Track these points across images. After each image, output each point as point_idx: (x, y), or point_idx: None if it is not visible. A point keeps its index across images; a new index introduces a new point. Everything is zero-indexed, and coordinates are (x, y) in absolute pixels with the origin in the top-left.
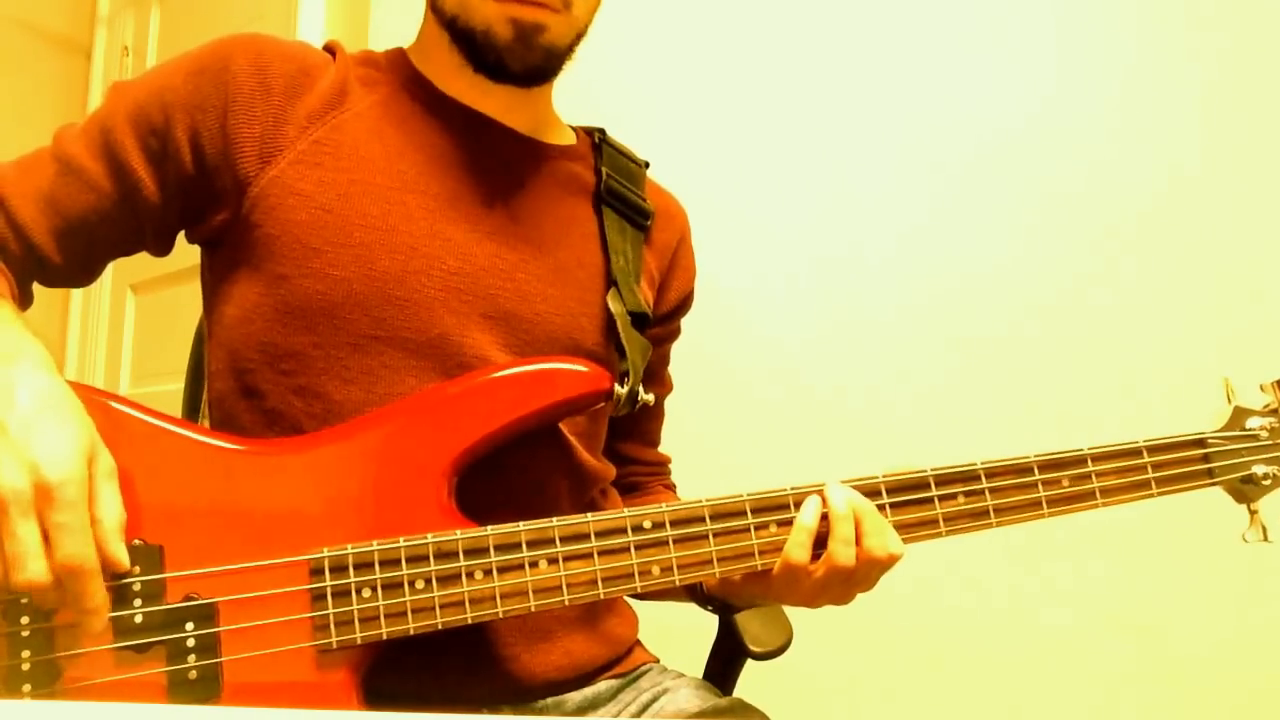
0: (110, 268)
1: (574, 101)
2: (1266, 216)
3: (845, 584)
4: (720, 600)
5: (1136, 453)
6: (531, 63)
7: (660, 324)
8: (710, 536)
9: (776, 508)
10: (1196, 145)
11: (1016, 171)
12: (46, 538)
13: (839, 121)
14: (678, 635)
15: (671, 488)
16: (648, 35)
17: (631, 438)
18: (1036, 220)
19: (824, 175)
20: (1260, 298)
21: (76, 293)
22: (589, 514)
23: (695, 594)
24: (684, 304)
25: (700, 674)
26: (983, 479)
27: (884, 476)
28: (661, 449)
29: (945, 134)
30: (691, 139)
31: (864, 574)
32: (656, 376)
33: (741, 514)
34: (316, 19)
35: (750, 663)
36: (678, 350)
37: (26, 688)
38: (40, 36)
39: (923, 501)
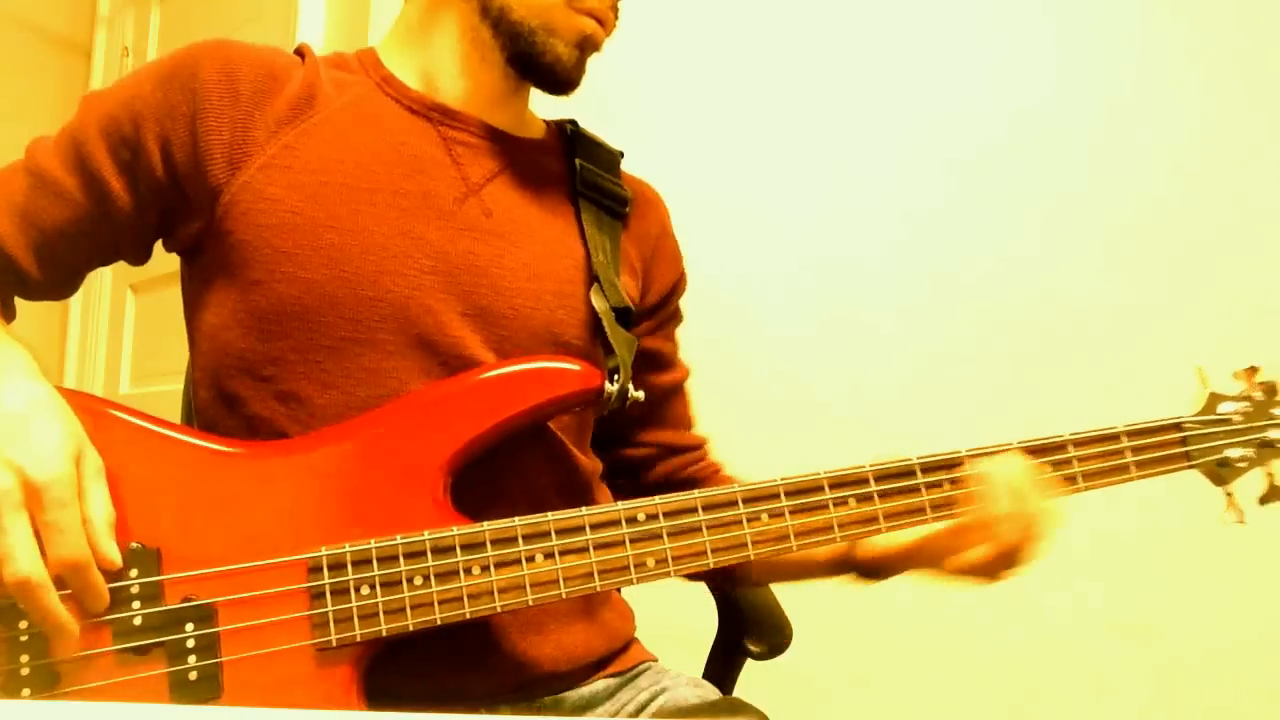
0: (110, 268)
1: (573, 101)
2: (1266, 216)
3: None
4: (874, 567)
5: (1115, 437)
6: (579, 76)
7: (651, 314)
8: (704, 528)
9: (766, 498)
10: (1196, 147)
11: (1016, 171)
12: (37, 537)
13: (839, 122)
14: (677, 635)
15: (720, 468)
16: (647, 34)
17: (668, 425)
18: (1036, 220)
19: (824, 175)
20: (1259, 295)
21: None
22: (584, 508)
23: (842, 564)
24: (674, 290)
25: (700, 674)
26: (967, 466)
27: (871, 466)
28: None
29: (945, 135)
30: (691, 139)
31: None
32: (670, 363)
33: (733, 505)
34: (316, 19)
35: (750, 663)
36: None
37: (26, 692)
38: (40, 36)
39: (909, 490)
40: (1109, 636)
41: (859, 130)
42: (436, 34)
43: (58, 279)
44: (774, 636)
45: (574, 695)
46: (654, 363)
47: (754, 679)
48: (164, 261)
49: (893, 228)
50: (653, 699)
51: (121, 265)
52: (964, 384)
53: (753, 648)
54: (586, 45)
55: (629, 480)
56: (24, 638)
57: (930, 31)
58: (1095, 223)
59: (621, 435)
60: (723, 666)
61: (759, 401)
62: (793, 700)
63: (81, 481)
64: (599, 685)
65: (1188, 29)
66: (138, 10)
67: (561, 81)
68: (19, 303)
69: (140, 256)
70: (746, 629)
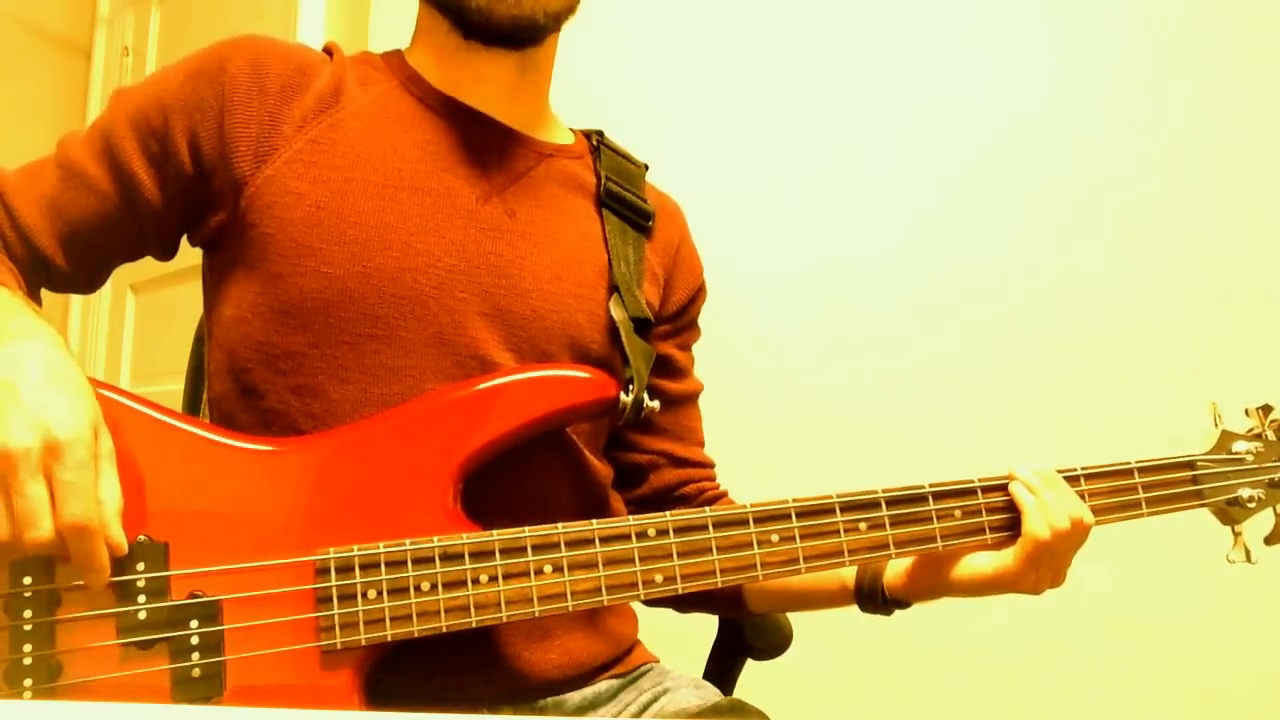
0: None
1: (575, 102)
2: (1266, 214)
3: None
4: (897, 599)
5: (1128, 473)
6: (519, 12)
7: (670, 320)
8: (714, 547)
9: (777, 518)
10: (1197, 147)
11: (1017, 171)
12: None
13: (841, 122)
14: (678, 635)
15: (725, 494)
16: (649, 36)
17: (673, 435)
18: (1038, 220)
19: (825, 176)
20: (1259, 296)
21: None
22: (594, 520)
23: (861, 595)
24: (695, 299)
25: (700, 674)
26: (979, 495)
27: (883, 491)
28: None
29: (946, 135)
30: (693, 140)
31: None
32: (682, 373)
33: (744, 524)
34: (316, 20)
35: (750, 663)
36: None
37: (28, 682)
38: (40, 36)
39: (920, 518)
40: (1109, 636)
41: (861, 132)
42: (420, 27)
43: (84, 271)
44: (774, 636)
45: (576, 696)
46: (666, 369)
47: (754, 679)
48: (164, 262)
49: (894, 228)
50: (655, 700)
51: (121, 265)
52: (964, 384)
53: (753, 648)
54: None
55: (625, 489)
56: (28, 627)
57: (930, 32)
58: (1096, 222)
59: (623, 441)
60: (723, 667)
61: (760, 402)
62: (793, 700)
63: (95, 460)
64: (602, 686)
65: (1188, 29)
66: (138, 10)
67: (496, 23)
68: None
69: (167, 251)
70: (746, 629)
